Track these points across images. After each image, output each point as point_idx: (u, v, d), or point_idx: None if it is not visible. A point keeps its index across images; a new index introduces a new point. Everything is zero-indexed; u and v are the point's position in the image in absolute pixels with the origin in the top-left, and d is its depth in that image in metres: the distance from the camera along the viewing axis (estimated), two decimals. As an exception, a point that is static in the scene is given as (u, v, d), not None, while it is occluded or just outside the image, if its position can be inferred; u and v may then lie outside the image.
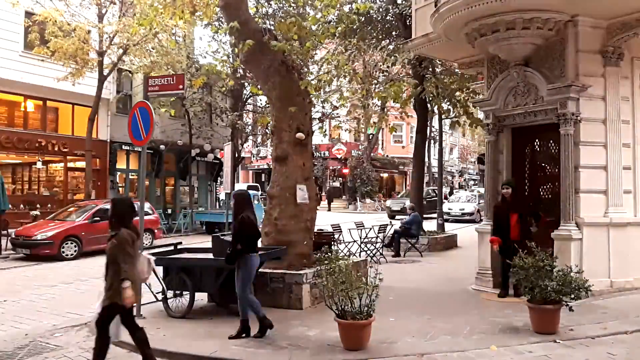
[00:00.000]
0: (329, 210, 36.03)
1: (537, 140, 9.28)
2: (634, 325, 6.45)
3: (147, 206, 16.49)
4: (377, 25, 15.27)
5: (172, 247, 8.43)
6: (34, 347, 6.34)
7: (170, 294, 7.52)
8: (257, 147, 42.25)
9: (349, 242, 12.41)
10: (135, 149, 21.53)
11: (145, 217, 12.10)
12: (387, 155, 45.32)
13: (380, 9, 15.33)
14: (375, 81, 17.88)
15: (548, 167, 9.12)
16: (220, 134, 24.88)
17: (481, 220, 12.91)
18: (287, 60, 8.37)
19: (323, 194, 39.73)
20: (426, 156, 23.49)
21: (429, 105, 16.10)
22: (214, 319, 7.22)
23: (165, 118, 21.46)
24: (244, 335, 6.21)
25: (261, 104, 27.83)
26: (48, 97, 19.26)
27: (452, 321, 6.90)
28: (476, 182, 50.54)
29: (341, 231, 12.44)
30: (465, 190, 34.40)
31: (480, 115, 11.55)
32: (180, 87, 8.20)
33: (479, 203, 27.20)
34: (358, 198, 38.49)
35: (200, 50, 23.44)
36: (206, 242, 18.69)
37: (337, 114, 25.07)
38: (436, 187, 24.25)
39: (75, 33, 16.12)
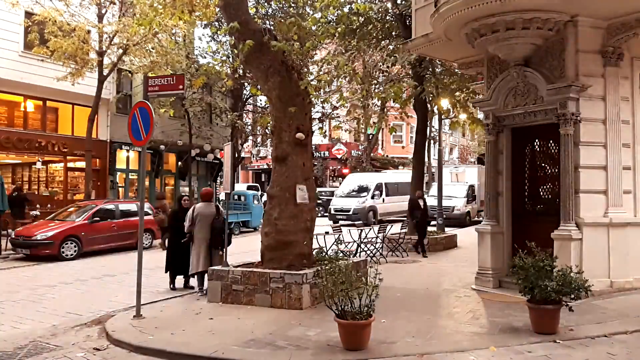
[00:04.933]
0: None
1: (537, 140, 9.28)
2: (634, 325, 6.45)
3: (146, 206, 16.49)
4: (376, 25, 15.27)
5: None
6: (34, 347, 6.33)
7: None
8: (257, 147, 42.26)
9: (349, 242, 12.41)
10: (135, 149, 21.56)
11: (145, 217, 12.10)
12: (387, 156, 45.32)
13: (380, 9, 15.32)
14: (375, 81, 17.90)
15: (548, 167, 9.12)
16: (220, 134, 24.90)
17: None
18: (287, 61, 8.37)
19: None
20: (426, 156, 23.46)
21: (429, 105, 16.10)
22: (214, 318, 7.22)
23: (165, 118, 21.47)
24: None
25: (261, 104, 27.86)
26: (48, 97, 19.27)
27: (452, 321, 6.91)
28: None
29: (341, 231, 12.44)
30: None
31: (480, 115, 11.55)
32: (180, 87, 8.20)
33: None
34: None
35: (200, 50, 23.48)
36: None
37: (337, 114, 25.08)
38: None
39: (75, 33, 16.12)
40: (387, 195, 26.35)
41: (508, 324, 6.66)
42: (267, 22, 17.82)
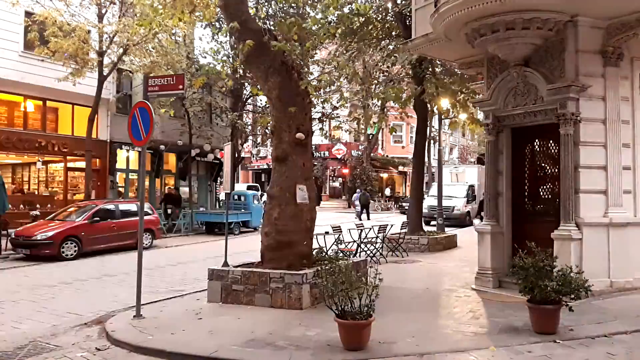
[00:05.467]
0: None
1: (537, 140, 9.28)
2: (633, 325, 6.45)
3: (147, 206, 16.50)
4: (377, 25, 15.28)
5: None
6: (34, 347, 6.34)
7: None
8: (257, 147, 42.29)
9: (349, 242, 12.41)
10: (135, 149, 21.56)
11: (145, 217, 12.10)
12: (387, 155, 45.34)
13: (380, 9, 15.33)
14: (376, 81, 17.90)
15: (548, 167, 9.12)
16: (220, 134, 24.89)
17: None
18: (287, 61, 8.37)
19: (325, 193, 39.77)
20: (426, 156, 23.46)
21: (428, 105, 16.10)
22: (214, 318, 7.22)
23: (165, 118, 21.49)
24: None
25: (261, 104, 27.87)
26: (48, 97, 19.27)
27: (452, 321, 6.91)
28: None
29: (341, 231, 12.44)
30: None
31: (480, 115, 11.55)
32: (180, 87, 8.19)
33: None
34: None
35: (200, 50, 23.49)
36: (206, 242, 18.72)
37: (337, 114, 25.07)
38: None
39: (75, 33, 16.11)
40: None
41: (508, 324, 6.66)
42: (267, 22, 17.82)
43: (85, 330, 7.05)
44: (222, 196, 26.42)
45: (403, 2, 14.20)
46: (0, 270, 12.38)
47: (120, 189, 22.46)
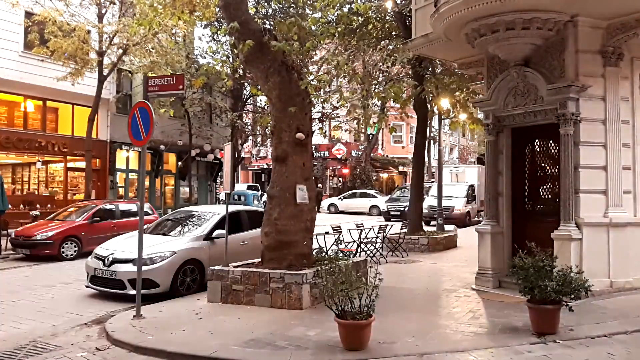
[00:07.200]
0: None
1: (537, 140, 9.28)
2: (634, 325, 6.45)
3: (146, 206, 16.49)
4: (376, 25, 15.27)
5: None
6: (34, 347, 6.34)
7: None
8: (257, 147, 42.31)
9: (349, 242, 12.41)
10: (135, 149, 21.57)
11: (145, 217, 12.10)
12: (386, 155, 45.34)
13: (380, 9, 15.32)
14: (375, 81, 17.90)
15: (548, 167, 9.12)
16: (220, 134, 24.93)
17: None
18: (287, 61, 8.37)
19: (325, 193, 39.77)
20: (426, 156, 23.45)
21: (428, 105, 16.10)
22: (214, 318, 7.22)
23: (165, 118, 21.48)
24: None
25: (261, 104, 27.89)
26: (48, 97, 19.28)
27: (452, 321, 6.91)
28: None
29: (341, 231, 12.44)
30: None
31: (480, 115, 11.55)
32: (180, 87, 8.19)
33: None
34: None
35: (200, 50, 23.50)
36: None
37: (337, 114, 25.10)
38: None
39: (74, 33, 16.12)
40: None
41: (508, 324, 6.66)
42: (267, 22, 17.84)
43: (85, 330, 7.06)
44: (222, 196, 26.43)
45: (403, 2, 14.19)
46: (0, 270, 12.37)
47: (119, 188, 22.46)
